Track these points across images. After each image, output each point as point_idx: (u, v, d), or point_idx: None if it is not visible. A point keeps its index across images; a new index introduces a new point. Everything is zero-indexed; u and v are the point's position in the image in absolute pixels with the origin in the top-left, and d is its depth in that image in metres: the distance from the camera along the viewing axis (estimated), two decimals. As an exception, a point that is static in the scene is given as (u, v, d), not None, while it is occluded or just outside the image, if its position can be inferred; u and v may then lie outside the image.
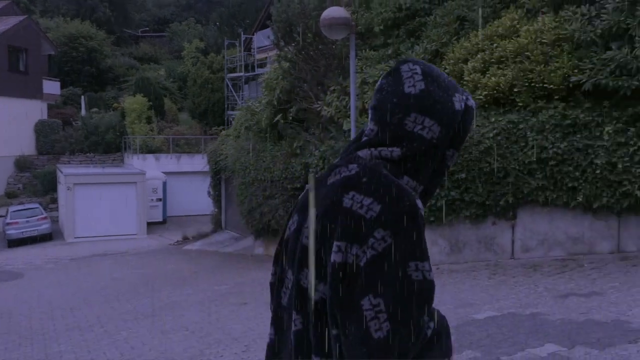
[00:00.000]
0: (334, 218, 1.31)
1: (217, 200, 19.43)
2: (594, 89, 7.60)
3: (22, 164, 29.52)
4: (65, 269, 15.57)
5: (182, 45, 37.96)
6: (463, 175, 8.36)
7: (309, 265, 1.34)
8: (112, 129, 30.88)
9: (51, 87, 33.33)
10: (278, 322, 1.47)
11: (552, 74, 7.91)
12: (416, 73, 1.39)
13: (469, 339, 5.00)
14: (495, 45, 8.66)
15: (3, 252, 20.10)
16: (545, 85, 8.01)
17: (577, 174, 7.84)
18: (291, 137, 12.50)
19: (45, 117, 31.92)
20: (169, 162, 28.08)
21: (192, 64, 34.44)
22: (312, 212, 1.36)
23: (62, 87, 35.16)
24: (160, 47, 47.58)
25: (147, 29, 51.39)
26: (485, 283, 7.24)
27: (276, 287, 1.50)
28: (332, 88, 11.45)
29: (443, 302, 5.90)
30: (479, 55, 8.72)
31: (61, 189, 23.91)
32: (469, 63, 8.80)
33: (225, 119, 31.69)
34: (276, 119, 12.88)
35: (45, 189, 28.20)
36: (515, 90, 8.25)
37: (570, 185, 7.90)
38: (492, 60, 8.57)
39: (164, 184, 25.89)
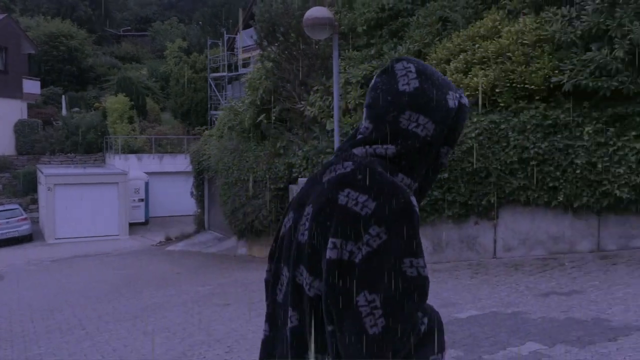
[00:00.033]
0: (329, 215, 1.32)
1: (200, 201, 19.33)
2: (574, 90, 7.68)
3: (1, 165, 29.12)
4: (46, 271, 15.39)
5: (165, 45, 37.74)
6: (446, 175, 8.40)
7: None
8: (94, 129, 30.57)
9: (31, 86, 32.90)
10: (273, 319, 1.48)
11: (533, 75, 7.98)
12: (410, 71, 1.40)
13: (452, 338, 5.03)
14: (477, 46, 8.71)
15: (-18, 253, 19.81)
16: (526, 85, 8.08)
17: (557, 173, 7.92)
18: (274, 137, 12.48)
19: (25, 116, 31.51)
20: (152, 162, 27.88)
21: (175, 64, 34.24)
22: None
23: (42, 87, 34.71)
24: (143, 46, 47.23)
25: (129, 28, 50.99)
26: (467, 282, 7.29)
27: (271, 284, 1.51)
28: (315, 88, 11.45)
29: (426, 301, 5.92)
30: (461, 56, 8.77)
31: (41, 189, 23.64)
32: (451, 63, 8.85)
33: (208, 119, 31.54)
34: (259, 119, 12.85)
35: (25, 189, 27.84)
36: (497, 90, 8.31)
37: (551, 184, 7.98)
38: (474, 60, 8.63)
39: (146, 184, 25.70)
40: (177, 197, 24.45)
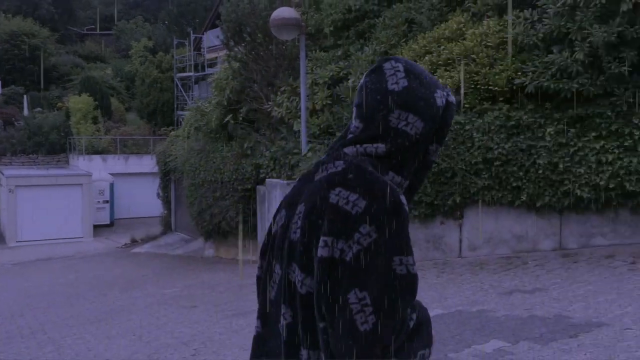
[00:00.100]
0: (321, 213, 1.34)
1: (166, 202, 19.11)
2: (536, 91, 7.82)
3: (-40, 166, 28.34)
4: (7, 274, 15.01)
5: (130, 44, 37.22)
6: (412, 176, 8.46)
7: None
8: (57, 129, 29.95)
9: (-9, 85, 32.11)
10: (265, 316, 1.50)
11: (496, 77, 8.10)
12: (398, 70, 1.43)
13: (418, 337, 5.06)
14: (442, 47, 8.81)
15: (-61, 257, 19.23)
16: (490, 87, 8.20)
17: (520, 173, 8.06)
18: (241, 138, 12.42)
19: (-16, 116, 30.73)
20: (117, 163, 27.46)
21: (140, 63, 33.81)
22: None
23: (3, 86, 33.91)
24: (107, 45, 46.49)
25: (93, 27, 50.13)
26: (433, 281, 7.36)
27: (263, 281, 1.52)
28: (282, 89, 11.42)
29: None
30: (426, 58, 8.86)
31: (2, 191, 23.06)
32: (417, 65, 8.93)
33: (175, 119, 31.22)
34: (226, 119, 12.77)
35: (-15, 191, 27.13)
36: (462, 92, 8.42)
37: (514, 184, 8.11)
38: (440, 62, 8.72)
39: (111, 185, 25.31)
40: (143, 199, 24.12)
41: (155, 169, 18.95)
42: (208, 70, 28.53)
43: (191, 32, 32.84)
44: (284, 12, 10.06)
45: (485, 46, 8.36)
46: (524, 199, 8.06)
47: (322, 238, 1.31)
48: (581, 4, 7.28)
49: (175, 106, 32.10)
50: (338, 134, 10.42)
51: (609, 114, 7.62)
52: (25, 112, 32.49)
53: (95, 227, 23.11)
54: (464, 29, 8.91)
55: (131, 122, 32.92)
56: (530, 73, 7.79)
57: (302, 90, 10.27)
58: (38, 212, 21.68)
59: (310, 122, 10.52)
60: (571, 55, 7.42)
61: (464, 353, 4.62)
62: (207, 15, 33.14)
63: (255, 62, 12.33)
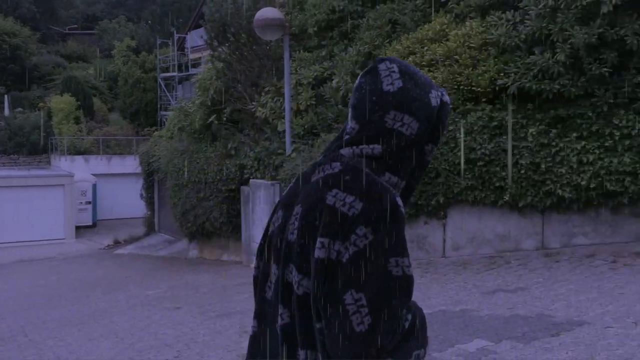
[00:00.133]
0: (318, 215, 1.35)
1: (150, 203, 18.99)
2: (518, 92, 7.88)
3: (-61, 167, 27.93)
4: (-14, 277, 14.81)
5: (113, 44, 36.91)
6: (396, 176, 8.49)
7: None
8: (38, 130, 29.62)
9: (-29, 85, 31.68)
10: (262, 316, 1.51)
11: (479, 77, 8.15)
12: (393, 71, 1.44)
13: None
14: (425, 48, 8.85)
15: None
16: (473, 88, 8.25)
17: (503, 174, 8.12)
18: (225, 138, 12.38)
19: (-36, 117, 30.33)
20: (99, 163, 27.24)
21: (123, 63, 33.56)
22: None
23: (-17, 86, 33.48)
24: (89, 45, 46.04)
25: (76, 26, 49.66)
26: (417, 281, 7.35)
27: (260, 281, 1.53)
28: (266, 89, 11.41)
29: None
30: (410, 58, 8.89)
31: (-18, 192, 22.77)
32: (400, 65, 8.96)
33: (158, 119, 31.03)
34: (210, 119, 12.72)
35: (-35, 192, 26.74)
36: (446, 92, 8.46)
37: (497, 184, 8.17)
38: (423, 63, 8.75)
39: (94, 186, 25.09)
40: (126, 199, 23.94)
41: (139, 170, 18.81)
42: (192, 71, 28.40)
43: (175, 32, 32.66)
44: (267, 13, 10.06)
45: (468, 47, 8.41)
46: (507, 199, 8.12)
47: (319, 239, 1.32)
48: (562, 6, 7.36)
49: (158, 106, 31.89)
50: (322, 135, 10.38)
51: (590, 114, 7.70)
52: (6, 112, 32.10)
53: (78, 228, 22.90)
54: (447, 30, 8.96)
55: (114, 123, 32.66)
56: (512, 74, 7.85)
57: (286, 91, 10.26)
58: (19, 213, 21.43)
59: (294, 122, 10.52)
60: (552, 56, 7.49)
61: (447, 352, 4.65)
62: (191, 15, 32.98)
63: (239, 63, 12.30)
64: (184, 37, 31.64)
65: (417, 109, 1.42)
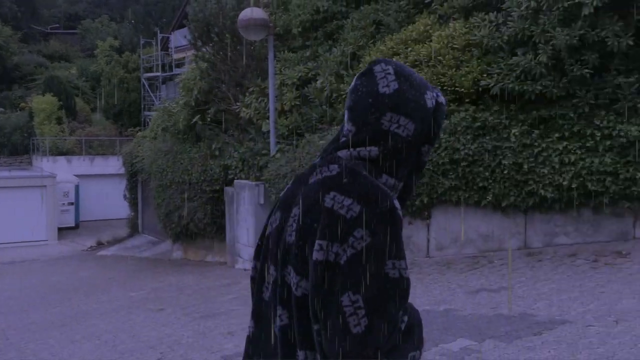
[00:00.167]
0: (316, 217, 1.36)
1: (133, 204, 18.85)
2: (501, 93, 7.93)
3: None
4: (-33, 279, 14.61)
5: (95, 43, 36.59)
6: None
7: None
8: (19, 130, 29.33)
9: (-49, 85, 31.24)
10: (259, 316, 1.52)
11: (462, 78, 8.20)
12: (389, 73, 1.45)
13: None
14: (409, 49, 8.88)
15: None
16: (456, 88, 8.29)
17: (486, 174, 8.17)
18: (209, 139, 12.33)
19: (-56, 117, 29.89)
20: (82, 164, 27.00)
21: (106, 63, 33.29)
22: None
23: (-37, 86, 33.05)
24: (72, 44, 45.63)
25: (58, 25, 49.17)
26: (401, 281, 7.41)
27: (257, 282, 1.54)
28: (250, 89, 11.38)
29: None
30: (394, 59, 8.92)
31: (-37, 193, 22.46)
32: (384, 66, 8.99)
33: (142, 119, 30.83)
34: (194, 120, 12.67)
35: (-56, 193, 26.36)
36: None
37: (480, 185, 8.22)
38: (407, 63, 8.78)
39: (77, 187, 24.86)
40: (110, 200, 23.76)
41: (122, 170, 18.68)
42: (176, 71, 28.25)
43: (158, 31, 32.45)
44: (251, 13, 10.04)
45: (452, 48, 8.45)
46: (490, 199, 8.18)
47: (317, 241, 1.33)
48: (544, 8, 7.42)
49: (142, 106, 31.68)
50: (307, 135, 10.35)
51: (572, 115, 7.78)
52: (-13, 112, 31.71)
53: (60, 229, 22.68)
54: (430, 31, 9.00)
55: (97, 123, 32.40)
56: (495, 75, 7.90)
57: (271, 91, 10.25)
58: (0, 215, 21.17)
59: (278, 122, 10.50)
60: (535, 57, 7.55)
61: (431, 352, 4.66)
62: (175, 15, 32.80)
63: (223, 63, 12.26)
64: (168, 37, 31.47)
65: (413, 110, 1.43)
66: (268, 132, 10.46)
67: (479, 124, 8.18)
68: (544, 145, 7.89)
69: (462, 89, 8.25)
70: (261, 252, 1.55)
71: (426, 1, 9.64)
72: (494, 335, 4.87)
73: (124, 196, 18.95)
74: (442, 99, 1.51)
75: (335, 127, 9.44)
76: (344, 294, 1.29)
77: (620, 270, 6.46)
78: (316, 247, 1.33)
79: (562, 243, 8.10)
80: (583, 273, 6.63)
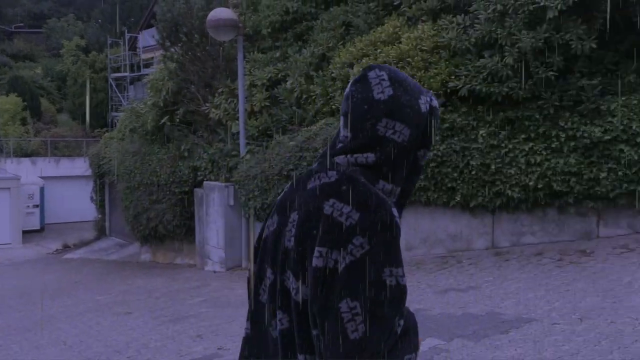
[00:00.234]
0: (315, 223, 1.38)
1: (100, 206, 18.55)
2: (469, 95, 8.03)
3: None
4: None
5: (61, 43, 35.96)
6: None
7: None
8: (-18, 131, 28.60)
9: None
10: (255, 318, 1.54)
11: (431, 80, 8.27)
12: (383, 79, 1.45)
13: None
14: (379, 51, 8.93)
15: None
16: (425, 90, 8.36)
17: (455, 174, 8.25)
18: (178, 140, 12.21)
19: None
20: (47, 166, 26.48)
21: (72, 63, 32.77)
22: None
23: None
24: (37, 44, 44.75)
25: (22, 24, 48.13)
26: (371, 282, 7.43)
27: (254, 284, 1.55)
28: (220, 90, 11.30)
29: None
30: (364, 60, 8.96)
31: None
32: (354, 67, 9.02)
33: (109, 120, 30.38)
34: (162, 121, 12.52)
35: None
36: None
37: (449, 185, 8.30)
38: (376, 65, 8.83)
39: (42, 189, 24.39)
40: (76, 203, 23.36)
41: (89, 172, 18.37)
42: (144, 71, 27.92)
43: (126, 31, 32.02)
44: (221, 13, 9.97)
45: (420, 50, 8.52)
46: (458, 199, 8.27)
47: (316, 248, 1.35)
48: (510, 11, 7.53)
49: (109, 107, 31.23)
50: (276, 136, 10.30)
51: (537, 116, 7.91)
52: (-52, 112, 30.84)
53: (25, 232, 22.22)
54: (399, 32, 9.05)
55: (63, 124, 31.84)
56: (463, 77, 7.99)
57: (240, 92, 10.19)
58: (-38, 218, 20.68)
59: (248, 123, 10.45)
60: (501, 59, 7.66)
61: (400, 352, 4.68)
62: (143, 14, 32.42)
63: (192, 63, 12.15)
64: (136, 37, 31.09)
65: (408, 115, 1.44)
66: (238, 133, 10.40)
67: (447, 125, 8.26)
68: (510, 146, 8.00)
69: (431, 91, 8.31)
70: (258, 255, 1.56)
71: (395, 3, 9.70)
72: (462, 335, 4.92)
73: (91, 198, 18.65)
74: (435, 102, 1.52)
75: (305, 128, 9.43)
76: (342, 301, 1.31)
77: (585, 269, 6.59)
78: (316, 253, 1.35)
79: (528, 242, 8.23)
80: (549, 272, 6.74)
